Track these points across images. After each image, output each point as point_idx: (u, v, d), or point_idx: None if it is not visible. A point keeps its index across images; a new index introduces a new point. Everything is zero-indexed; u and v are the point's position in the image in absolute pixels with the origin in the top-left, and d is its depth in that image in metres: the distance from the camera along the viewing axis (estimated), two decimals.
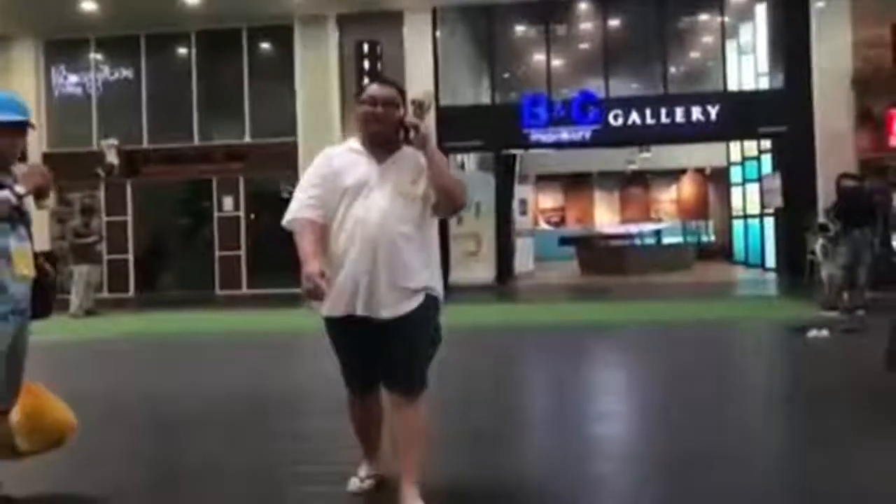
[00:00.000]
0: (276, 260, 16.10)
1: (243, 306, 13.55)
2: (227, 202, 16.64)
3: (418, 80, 14.62)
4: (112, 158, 15.80)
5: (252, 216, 16.51)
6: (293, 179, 15.79)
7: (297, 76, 15.98)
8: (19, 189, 2.80)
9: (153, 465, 4.01)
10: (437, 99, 15.14)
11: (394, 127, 2.90)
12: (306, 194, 2.93)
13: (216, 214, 16.64)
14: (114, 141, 15.86)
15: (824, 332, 7.50)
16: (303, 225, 2.89)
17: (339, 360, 3.09)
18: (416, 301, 2.89)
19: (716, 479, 3.44)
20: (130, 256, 16.75)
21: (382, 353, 2.93)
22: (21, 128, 2.91)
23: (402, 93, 3.00)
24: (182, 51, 16.96)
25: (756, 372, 6.49)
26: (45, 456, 3.27)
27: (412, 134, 2.88)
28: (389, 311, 2.85)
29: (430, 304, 2.94)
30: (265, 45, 16.91)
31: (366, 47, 15.45)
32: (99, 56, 17.15)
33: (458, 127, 14.85)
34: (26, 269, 2.88)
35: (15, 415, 3.05)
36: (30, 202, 2.95)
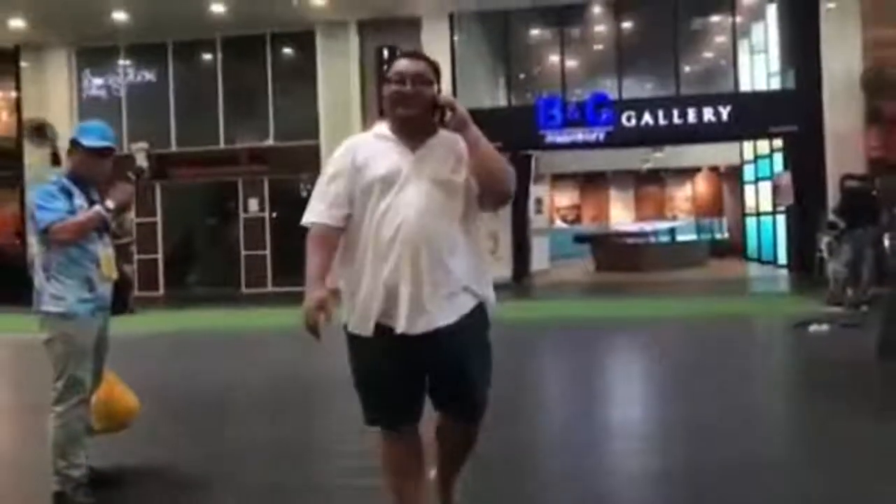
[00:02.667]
0: (299, 259, 16.62)
1: (269, 304, 14.09)
2: (253, 203, 17.22)
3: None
4: (142, 162, 16.40)
5: (275, 216, 17.07)
6: (315, 181, 16.35)
7: (319, 80, 16.51)
8: (109, 204, 3.32)
9: (202, 443, 4.50)
10: None
11: (427, 108, 2.45)
12: (327, 193, 2.51)
13: (242, 215, 17.23)
14: (144, 144, 16.47)
15: (825, 327, 7.89)
16: (317, 237, 2.49)
17: (364, 392, 2.55)
18: (465, 309, 2.47)
19: (717, 451, 3.94)
20: (160, 256, 17.37)
21: (433, 377, 2.51)
22: (106, 151, 3.40)
23: (435, 68, 2.54)
24: (208, 57, 17.56)
25: (756, 363, 6.90)
26: (114, 434, 3.78)
27: (448, 115, 2.43)
28: (433, 323, 2.41)
29: (482, 315, 2.54)
30: (288, 51, 17.48)
31: (385, 52, 15.93)
32: (128, 62, 17.79)
33: None
34: (111, 271, 3.39)
35: (93, 399, 3.54)
36: None
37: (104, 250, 3.39)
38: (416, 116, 2.46)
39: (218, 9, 15.34)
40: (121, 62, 17.77)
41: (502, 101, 16.86)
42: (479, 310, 2.52)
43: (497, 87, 17.54)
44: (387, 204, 2.43)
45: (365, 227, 2.46)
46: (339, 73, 16.36)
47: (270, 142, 17.08)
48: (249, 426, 4.90)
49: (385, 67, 2.32)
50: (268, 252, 17.09)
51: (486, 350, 2.56)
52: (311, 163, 16.11)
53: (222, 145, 17.25)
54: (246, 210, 17.25)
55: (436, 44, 15.99)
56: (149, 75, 17.74)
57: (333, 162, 2.57)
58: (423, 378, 2.51)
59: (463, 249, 2.48)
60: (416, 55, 2.59)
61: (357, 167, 2.48)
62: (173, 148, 17.25)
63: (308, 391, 6.00)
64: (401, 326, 2.40)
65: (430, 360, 2.46)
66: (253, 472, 3.91)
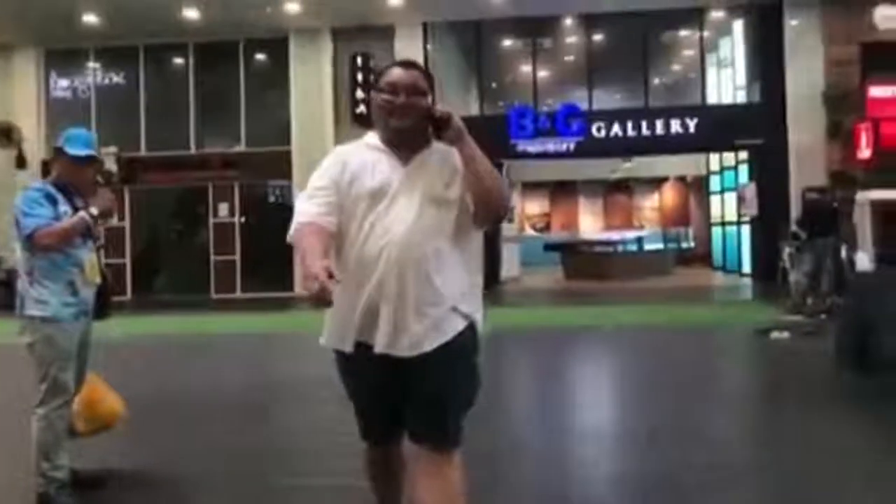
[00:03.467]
0: (269, 265, 16.86)
1: (238, 309, 14.07)
2: (223, 208, 17.17)
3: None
4: (111, 166, 16.28)
5: (243, 220, 17.02)
6: (287, 187, 16.45)
7: (291, 87, 16.54)
8: (93, 210, 3.38)
9: (182, 445, 4.55)
10: None
11: (421, 119, 2.34)
12: (314, 201, 2.36)
13: (212, 220, 17.17)
14: (113, 149, 16.35)
15: (786, 334, 8.14)
16: (307, 229, 2.31)
17: (354, 406, 2.53)
18: (451, 331, 2.33)
19: (675, 454, 4.08)
20: (128, 261, 17.23)
21: (410, 397, 2.37)
22: (90, 160, 3.46)
23: (429, 77, 2.42)
24: (180, 61, 17.49)
25: (717, 368, 7.12)
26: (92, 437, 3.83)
27: (445, 127, 2.32)
28: (419, 346, 2.30)
29: (470, 336, 2.39)
30: (261, 57, 17.49)
31: (359, 60, 16.06)
32: (98, 65, 17.66)
33: None
34: (95, 276, 3.45)
35: (76, 401, 3.59)
36: None
37: (88, 255, 3.45)
38: (409, 128, 2.35)
39: (191, 14, 15.31)
40: (90, 65, 17.64)
41: (474, 110, 17.05)
42: (469, 331, 2.37)
43: (469, 95, 17.73)
44: (375, 218, 2.31)
45: (350, 241, 2.34)
46: (312, 79, 16.42)
47: (242, 147, 17.06)
48: (227, 429, 4.95)
49: (374, 76, 2.25)
50: (237, 257, 17.05)
51: (474, 374, 2.43)
52: (282, 169, 16.19)
53: (193, 150, 17.19)
54: (216, 215, 17.19)
55: (409, 52, 16.11)
56: (119, 79, 17.64)
57: (322, 170, 2.42)
58: (403, 399, 2.38)
59: (453, 267, 2.35)
60: (410, 64, 2.43)
61: (346, 177, 2.35)
62: (143, 152, 17.15)
63: (281, 394, 6.06)
64: (379, 345, 2.30)
65: (412, 385, 2.34)
66: (234, 473, 3.98)
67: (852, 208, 10.80)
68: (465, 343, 2.37)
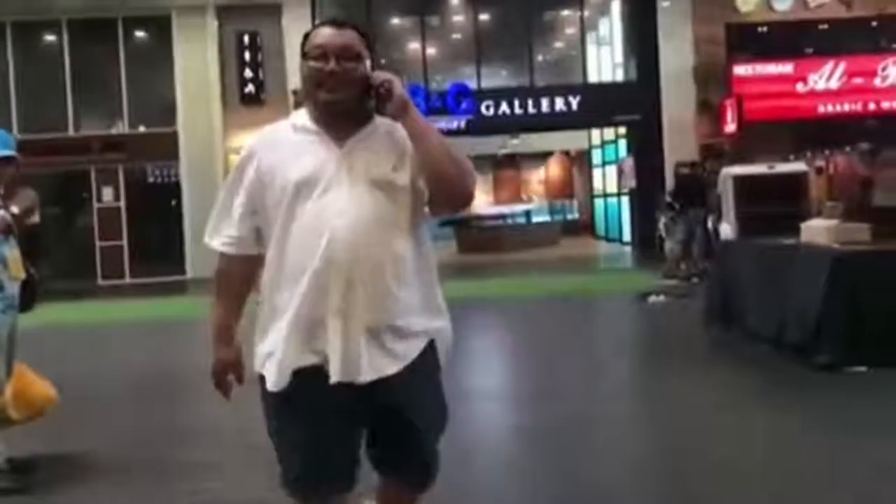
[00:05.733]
0: (158, 248, 16.50)
1: (127, 295, 13.80)
2: (107, 192, 16.62)
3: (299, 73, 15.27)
4: None
5: (130, 204, 16.52)
6: (174, 168, 16.09)
7: (176, 66, 16.13)
8: (14, 209, 3.45)
9: (96, 432, 4.66)
10: None
11: (358, 90, 1.92)
12: (228, 207, 2.00)
13: (96, 205, 16.60)
14: None
15: (662, 298, 8.89)
16: (222, 276, 2.02)
17: (286, 450, 1.99)
18: (415, 348, 1.99)
19: (563, 409, 4.55)
20: None
21: (377, 434, 2.03)
22: (8, 160, 3.52)
23: (364, 37, 1.98)
24: (52, 39, 16.69)
25: (600, 331, 7.77)
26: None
27: (385, 97, 1.91)
28: (380, 369, 1.92)
29: (433, 350, 2.05)
30: (142, 35, 16.92)
31: (246, 38, 15.85)
32: None
33: None
34: (19, 271, 3.53)
35: (7, 392, 3.66)
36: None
37: (11, 252, 3.52)
38: (343, 100, 1.91)
39: None
40: None
41: None
42: (430, 347, 2.03)
43: None
44: (308, 213, 1.88)
45: (278, 245, 1.93)
46: (197, 59, 16.05)
47: (125, 129, 16.53)
48: (137, 414, 5.08)
49: (301, 41, 1.97)
50: (124, 242, 16.57)
51: (440, 396, 2.08)
52: (169, 150, 15.84)
53: (71, 132, 16.51)
54: (100, 199, 16.63)
55: (297, 30, 16.02)
56: None
57: (237, 165, 2.02)
58: (360, 435, 2.01)
59: (411, 269, 1.96)
60: (342, 23, 1.97)
61: (264, 172, 1.94)
62: (16, 135, 16.27)
63: (180, 380, 6.20)
64: (335, 373, 1.89)
65: (373, 415, 1.98)
66: (156, 454, 4.15)
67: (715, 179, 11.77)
68: (431, 361, 2.03)
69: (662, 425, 4.36)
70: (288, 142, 1.98)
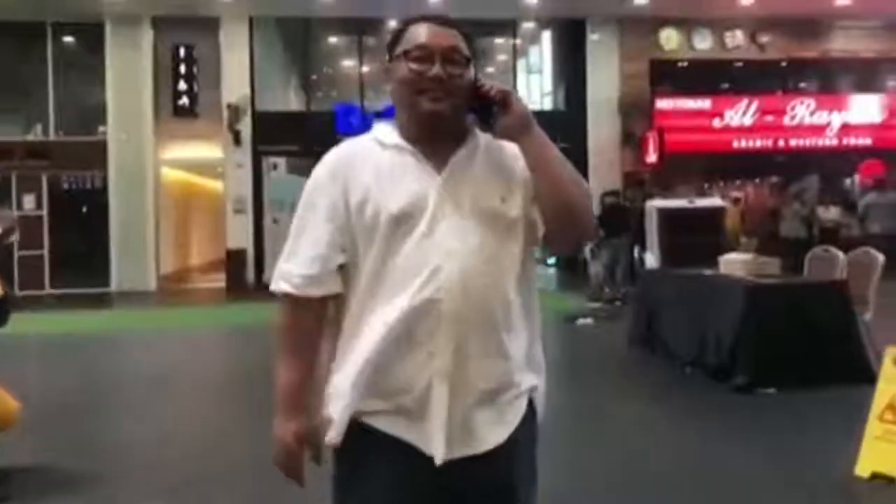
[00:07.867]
0: (82, 259, 16.08)
1: (46, 307, 13.45)
2: (28, 200, 16.14)
3: (234, 86, 15.33)
4: None
5: (52, 213, 16.09)
6: (101, 177, 15.76)
7: (108, 75, 15.85)
8: None
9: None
10: (252, 104, 15.79)
11: (464, 99, 1.59)
12: (307, 241, 1.60)
13: (16, 213, 16.06)
14: None
15: (589, 320, 9.33)
16: (291, 328, 1.61)
17: None
18: (521, 411, 1.65)
19: None
20: None
21: None
22: None
23: (468, 39, 1.64)
24: None
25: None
26: None
27: (496, 110, 1.57)
28: (488, 442, 1.57)
29: (533, 415, 1.69)
30: (72, 42, 16.57)
31: (182, 51, 15.74)
32: None
33: (273, 132, 15.64)
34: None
35: None
36: None
37: None
38: (448, 112, 1.57)
39: None
40: None
41: (301, 106, 17.26)
42: (531, 410, 1.68)
43: (297, 90, 17.90)
44: (407, 254, 1.53)
45: (367, 290, 1.56)
46: (129, 68, 15.80)
47: (50, 136, 16.12)
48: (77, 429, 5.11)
49: (390, 39, 1.66)
50: (45, 252, 16.11)
51: (535, 470, 1.70)
52: (97, 159, 15.54)
53: None
54: (20, 207, 16.12)
55: (234, 45, 16.08)
56: None
57: (316, 190, 1.62)
58: None
59: (520, 320, 1.64)
60: (446, 20, 1.64)
61: (354, 199, 1.57)
62: None
63: (119, 392, 6.23)
64: (440, 453, 1.52)
65: (468, 493, 1.58)
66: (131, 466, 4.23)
67: (642, 206, 12.38)
68: (530, 429, 1.67)
69: (591, 442, 4.69)
70: (377, 162, 1.59)
